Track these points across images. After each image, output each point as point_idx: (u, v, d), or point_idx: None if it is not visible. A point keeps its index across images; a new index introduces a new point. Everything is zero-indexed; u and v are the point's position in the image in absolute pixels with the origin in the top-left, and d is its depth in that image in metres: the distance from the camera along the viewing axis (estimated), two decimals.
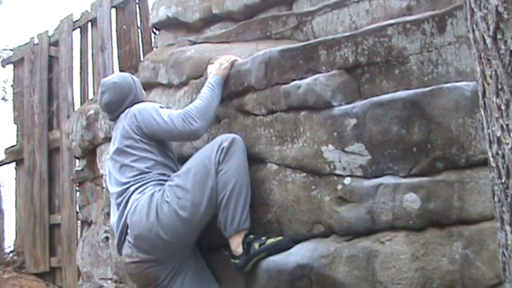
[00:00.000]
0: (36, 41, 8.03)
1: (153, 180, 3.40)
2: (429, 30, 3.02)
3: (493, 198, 1.70)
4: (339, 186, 2.93)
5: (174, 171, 3.48)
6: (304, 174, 3.10)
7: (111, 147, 3.68)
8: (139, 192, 3.36)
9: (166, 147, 3.61)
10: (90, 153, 5.20)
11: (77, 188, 6.25)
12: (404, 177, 2.81)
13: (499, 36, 1.58)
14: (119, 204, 3.47)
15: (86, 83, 7.36)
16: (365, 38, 3.09)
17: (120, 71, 6.71)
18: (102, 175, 4.81)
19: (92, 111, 5.01)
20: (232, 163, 3.22)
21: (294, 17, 3.95)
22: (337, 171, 2.96)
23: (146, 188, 3.36)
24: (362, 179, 2.89)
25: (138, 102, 3.67)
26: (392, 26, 3.08)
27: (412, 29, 3.04)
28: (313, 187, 3.05)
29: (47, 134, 7.60)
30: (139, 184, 3.39)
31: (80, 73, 7.47)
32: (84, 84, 7.38)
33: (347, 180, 2.92)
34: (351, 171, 2.92)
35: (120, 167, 3.52)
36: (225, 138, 3.30)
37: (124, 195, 3.44)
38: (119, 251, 3.51)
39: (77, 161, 6.00)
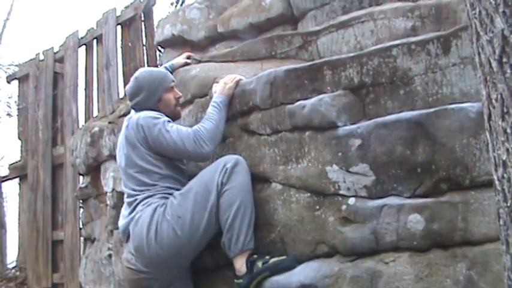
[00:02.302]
0: (41, 57, 8.08)
1: (159, 193, 3.40)
2: (434, 51, 3.03)
3: (499, 221, 1.69)
4: (343, 207, 2.93)
5: (182, 184, 3.47)
6: (309, 194, 3.10)
7: (120, 138, 3.69)
8: (144, 204, 3.37)
9: (175, 159, 3.58)
10: (94, 170, 5.20)
11: (81, 204, 6.25)
12: (409, 198, 2.80)
13: (504, 59, 1.58)
14: (129, 204, 3.50)
15: (91, 100, 7.41)
16: (370, 59, 3.10)
17: (125, 88, 6.73)
18: (106, 192, 4.81)
19: (96, 128, 5.02)
20: (236, 184, 3.22)
21: (299, 36, 3.96)
22: (341, 192, 2.96)
23: (150, 201, 3.37)
24: (366, 199, 2.89)
25: (148, 108, 3.62)
26: (397, 46, 3.09)
27: (417, 50, 3.05)
28: (318, 207, 3.05)
29: (51, 150, 7.64)
30: (144, 195, 3.41)
31: (85, 90, 7.52)
32: (89, 101, 7.42)
33: (351, 201, 2.91)
34: (355, 192, 2.92)
35: (127, 172, 3.54)
36: (228, 160, 3.29)
37: (132, 199, 3.46)
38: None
39: (81, 177, 6.01)
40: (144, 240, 3.25)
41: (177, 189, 3.40)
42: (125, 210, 3.57)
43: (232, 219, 3.17)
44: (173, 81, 3.79)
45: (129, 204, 3.49)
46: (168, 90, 3.71)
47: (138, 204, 3.41)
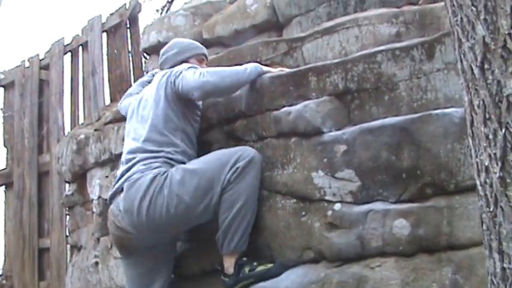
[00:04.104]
0: (27, 64, 8.05)
1: (163, 158, 3.36)
2: (418, 57, 3.04)
3: (482, 226, 1.71)
4: (329, 212, 2.94)
5: (190, 158, 3.44)
6: (295, 200, 3.11)
7: (141, 96, 3.71)
8: (144, 164, 3.33)
9: (193, 135, 3.55)
10: (80, 177, 5.18)
11: (67, 212, 6.23)
12: (394, 203, 2.82)
13: (486, 66, 1.60)
14: (126, 162, 3.46)
15: (77, 107, 7.39)
16: (355, 65, 3.12)
17: (111, 95, 6.73)
18: (92, 200, 4.80)
19: (82, 136, 5.00)
20: (243, 185, 3.16)
21: (284, 43, 3.97)
22: (327, 197, 2.97)
23: (152, 163, 3.33)
24: (352, 205, 2.90)
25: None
26: (381, 52, 3.10)
27: (402, 56, 3.06)
28: (304, 213, 3.06)
29: (36, 157, 7.60)
30: (147, 155, 3.37)
31: (71, 97, 7.50)
32: (74, 108, 7.40)
33: (337, 206, 2.93)
34: (341, 197, 2.93)
35: (135, 126, 3.55)
36: (243, 156, 3.21)
37: (132, 156, 3.43)
38: (110, 202, 3.49)
39: (67, 185, 5.99)
40: (135, 207, 3.22)
41: (183, 163, 3.37)
42: (118, 172, 3.52)
43: (231, 220, 3.14)
44: (205, 55, 3.91)
45: (127, 161, 3.44)
46: (197, 57, 3.83)
47: (137, 162, 3.36)
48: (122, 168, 3.48)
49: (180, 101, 3.47)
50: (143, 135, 3.44)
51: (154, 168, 3.29)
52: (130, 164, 3.41)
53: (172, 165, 3.32)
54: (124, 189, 3.32)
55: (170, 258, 3.57)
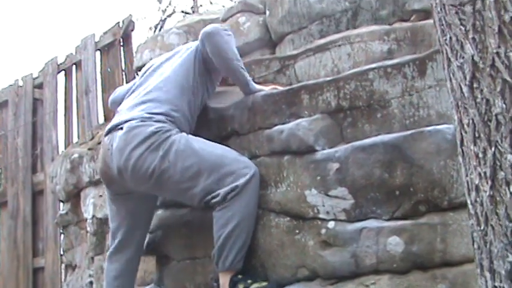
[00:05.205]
0: (20, 83, 8.05)
1: (165, 114, 3.36)
2: (410, 74, 3.05)
3: (473, 244, 1.71)
4: (323, 230, 2.94)
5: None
6: (288, 218, 3.10)
7: (160, 59, 3.79)
8: (149, 113, 3.34)
9: (195, 108, 3.59)
10: (74, 196, 5.18)
11: (61, 231, 6.22)
12: (388, 220, 2.82)
13: (475, 85, 1.61)
14: (133, 103, 3.50)
15: (71, 126, 7.38)
16: (347, 83, 3.13)
17: (105, 114, 6.73)
18: (86, 219, 4.79)
19: (76, 155, 5.01)
20: (239, 203, 3.12)
21: (276, 60, 3.99)
22: (320, 215, 2.97)
23: (157, 115, 3.33)
24: (345, 222, 2.89)
25: None
26: (373, 70, 3.11)
27: (393, 73, 3.08)
28: (297, 231, 3.05)
29: (30, 177, 7.58)
30: (153, 105, 3.39)
31: (65, 116, 7.49)
32: (68, 127, 7.39)
33: (331, 224, 2.92)
34: (335, 215, 2.93)
35: (145, 86, 3.58)
36: (243, 172, 3.16)
37: (140, 100, 3.47)
38: (105, 134, 3.51)
39: (61, 204, 5.98)
40: (126, 151, 3.24)
41: (180, 127, 3.39)
42: (123, 107, 3.55)
43: (225, 238, 3.11)
44: None
45: (133, 103, 3.49)
46: None
47: (142, 105, 3.42)
48: (127, 104, 3.53)
49: (204, 68, 3.59)
50: (152, 85, 3.51)
51: (157, 121, 3.29)
52: (134, 104, 3.47)
53: (173, 123, 3.33)
54: (123, 129, 3.31)
55: (151, 206, 3.65)
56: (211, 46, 3.48)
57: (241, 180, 3.13)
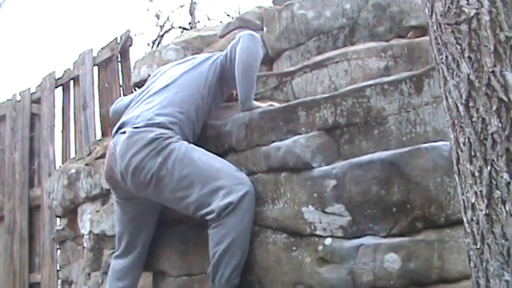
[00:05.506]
0: (18, 97, 8.06)
1: (171, 116, 3.40)
2: (407, 91, 3.06)
3: (469, 263, 1.71)
4: (320, 247, 2.93)
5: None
6: (285, 235, 3.10)
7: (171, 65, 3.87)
8: (154, 114, 3.39)
9: (202, 114, 3.62)
10: (71, 212, 5.17)
11: (58, 247, 6.20)
12: (385, 237, 2.81)
13: (471, 104, 1.62)
14: (141, 101, 3.57)
15: (68, 141, 7.38)
16: (344, 99, 3.14)
17: (102, 129, 6.73)
18: (83, 235, 4.78)
19: (73, 170, 5.00)
20: (233, 220, 3.11)
21: (274, 77, 4.00)
22: (317, 232, 2.96)
23: (161, 117, 3.37)
24: (342, 239, 2.89)
25: None
26: (370, 87, 3.12)
27: (390, 90, 3.08)
28: (294, 248, 3.05)
29: (27, 191, 7.58)
30: (160, 105, 3.44)
31: (62, 131, 7.50)
32: (66, 142, 7.40)
33: (328, 241, 2.92)
34: (332, 232, 2.93)
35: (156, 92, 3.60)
36: (237, 189, 3.14)
37: (148, 100, 3.53)
38: (113, 135, 3.55)
39: (58, 219, 5.97)
40: (127, 157, 3.27)
41: (184, 133, 3.43)
42: (133, 111, 3.56)
43: (220, 255, 3.10)
44: None
45: (142, 101, 3.56)
46: None
47: (153, 101, 3.49)
48: (134, 106, 3.58)
49: (218, 79, 3.67)
50: (160, 86, 3.59)
51: (159, 126, 3.32)
52: (141, 103, 3.55)
53: (176, 124, 3.37)
54: (126, 134, 3.33)
55: (155, 209, 3.65)
56: (244, 46, 3.56)
57: (234, 197, 3.11)
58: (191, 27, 9.82)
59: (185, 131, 3.42)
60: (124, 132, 3.35)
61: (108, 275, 3.77)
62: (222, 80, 3.69)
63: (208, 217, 3.14)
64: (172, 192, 3.23)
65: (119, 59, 7.03)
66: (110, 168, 3.46)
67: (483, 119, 1.58)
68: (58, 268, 6.64)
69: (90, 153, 5.18)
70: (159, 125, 3.31)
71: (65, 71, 7.63)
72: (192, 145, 3.34)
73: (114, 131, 3.51)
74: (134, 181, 3.28)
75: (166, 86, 3.56)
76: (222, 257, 3.10)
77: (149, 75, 5.34)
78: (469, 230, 1.68)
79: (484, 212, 1.59)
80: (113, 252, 3.80)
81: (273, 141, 3.25)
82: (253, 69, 3.54)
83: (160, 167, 3.20)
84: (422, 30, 3.95)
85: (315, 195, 2.97)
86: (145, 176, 3.22)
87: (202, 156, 3.28)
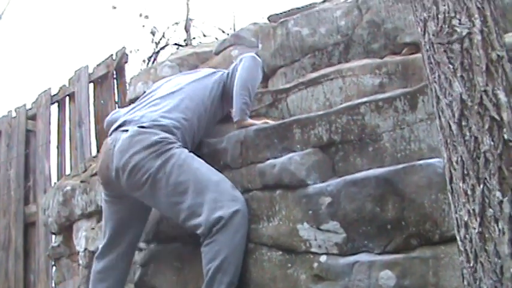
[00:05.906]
0: (13, 114, 8.06)
1: (175, 137, 3.39)
2: (401, 108, 3.07)
3: (463, 281, 1.72)
4: (315, 264, 2.93)
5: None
6: (280, 252, 3.10)
7: (181, 74, 3.96)
8: (159, 116, 3.43)
9: (205, 122, 3.68)
10: (66, 229, 5.16)
11: (53, 264, 6.19)
12: (380, 254, 2.81)
13: (463, 123, 1.63)
14: (146, 101, 3.63)
15: (63, 158, 7.38)
16: (338, 117, 3.14)
17: (98, 146, 6.73)
18: (78, 252, 4.77)
19: (68, 187, 5.00)
20: (225, 237, 3.10)
21: (269, 94, 4.01)
22: (312, 249, 2.96)
23: (165, 119, 3.41)
24: (338, 256, 2.89)
25: None
26: (365, 104, 3.13)
27: (385, 107, 3.09)
28: (289, 265, 3.05)
29: (23, 208, 7.56)
30: (165, 109, 3.49)
31: (57, 147, 7.49)
32: (61, 159, 7.39)
33: (323, 258, 2.92)
34: (327, 249, 2.92)
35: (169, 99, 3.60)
36: (225, 205, 3.14)
37: (154, 102, 3.57)
38: (110, 133, 3.56)
39: (53, 236, 5.96)
40: (126, 155, 3.29)
41: (185, 140, 3.46)
42: (135, 109, 3.62)
43: (214, 272, 3.08)
44: None
45: (147, 102, 3.62)
46: None
47: (160, 104, 3.53)
48: (137, 108, 3.62)
49: (221, 95, 3.76)
50: (165, 92, 3.66)
51: (164, 130, 3.35)
52: (146, 105, 3.59)
53: (179, 129, 3.41)
54: (129, 132, 3.35)
55: (143, 213, 3.66)
56: (246, 66, 3.67)
57: (225, 212, 3.11)
58: (186, 44, 9.84)
59: (186, 138, 3.46)
60: (126, 131, 3.38)
61: (90, 278, 3.75)
62: (223, 96, 3.75)
63: (197, 231, 3.15)
64: (166, 196, 3.24)
65: (115, 76, 7.05)
66: (104, 164, 3.46)
67: (476, 138, 1.59)
68: (53, 285, 6.63)
69: (85, 170, 5.19)
70: (164, 128, 3.35)
71: (60, 88, 7.64)
72: (193, 154, 3.37)
73: (113, 128, 3.54)
74: (130, 179, 3.29)
75: (173, 92, 3.61)
76: (216, 274, 3.09)
77: (144, 92, 5.39)
78: (462, 248, 1.69)
79: (477, 230, 1.59)
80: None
81: (268, 159, 3.26)
82: (251, 88, 3.59)
83: (159, 169, 3.22)
84: (416, 47, 3.96)
85: (310, 212, 2.97)
86: (142, 176, 3.24)
87: (201, 166, 3.30)
